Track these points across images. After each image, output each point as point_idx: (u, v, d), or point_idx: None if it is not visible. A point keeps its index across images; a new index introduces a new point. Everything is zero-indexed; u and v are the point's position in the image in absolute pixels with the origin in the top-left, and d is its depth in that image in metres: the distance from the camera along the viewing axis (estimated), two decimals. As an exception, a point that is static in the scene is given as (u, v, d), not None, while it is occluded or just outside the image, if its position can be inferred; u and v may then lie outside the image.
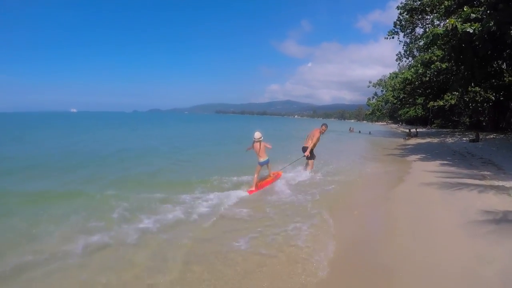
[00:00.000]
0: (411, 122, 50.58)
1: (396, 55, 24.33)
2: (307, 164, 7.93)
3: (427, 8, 18.29)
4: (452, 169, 8.13)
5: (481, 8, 9.91)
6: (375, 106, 26.53)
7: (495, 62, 15.44)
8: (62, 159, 9.80)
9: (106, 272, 2.97)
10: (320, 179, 7.23)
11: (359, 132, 34.84)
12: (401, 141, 22.20)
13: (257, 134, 6.47)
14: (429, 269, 2.91)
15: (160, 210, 4.70)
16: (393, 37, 22.46)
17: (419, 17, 20.25)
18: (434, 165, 9.13)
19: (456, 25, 9.44)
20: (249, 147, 6.73)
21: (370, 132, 34.29)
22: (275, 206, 5.10)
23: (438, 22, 17.60)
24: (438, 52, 16.06)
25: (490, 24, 8.75)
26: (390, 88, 23.46)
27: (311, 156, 7.80)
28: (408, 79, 20.72)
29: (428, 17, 19.83)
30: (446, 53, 12.96)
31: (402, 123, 62.06)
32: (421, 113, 42.73)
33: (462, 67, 13.35)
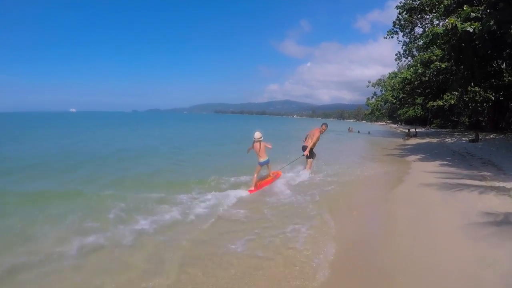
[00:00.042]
0: (410, 122, 50.53)
1: (396, 54, 24.42)
2: (306, 163, 7.91)
3: (426, 8, 18.29)
4: (452, 169, 8.09)
5: (481, 7, 9.88)
6: (374, 106, 26.50)
7: (495, 62, 15.41)
8: (61, 159, 9.74)
9: (101, 274, 2.93)
10: (319, 180, 7.20)
11: (358, 132, 34.75)
12: (400, 141, 22.15)
13: (257, 134, 6.42)
14: (430, 271, 2.86)
15: (157, 210, 4.66)
16: (392, 37, 22.50)
17: (418, 16, 20.25)
18: (433, 165, 9.09)
19: (456, 24, 9.41)
20: (249, 148, 6.67)
21: (369, 132, 34.21)
22: (274, 207, 5.05)
23: (437, 22, 17.57)
24: (438, 52, 16.01)
25: (490, 23, 8.72)
26: (389, 88, 23.40)
27: (311, 155, 7.81)
28: (408, 79, 20.66)
29: (427, 16, 19.83)
30: (446, 53, 12.91)
31: (401, 123, 62.01)
32: (420, 113, 42.74)
33: (462, 66, 13.32)
